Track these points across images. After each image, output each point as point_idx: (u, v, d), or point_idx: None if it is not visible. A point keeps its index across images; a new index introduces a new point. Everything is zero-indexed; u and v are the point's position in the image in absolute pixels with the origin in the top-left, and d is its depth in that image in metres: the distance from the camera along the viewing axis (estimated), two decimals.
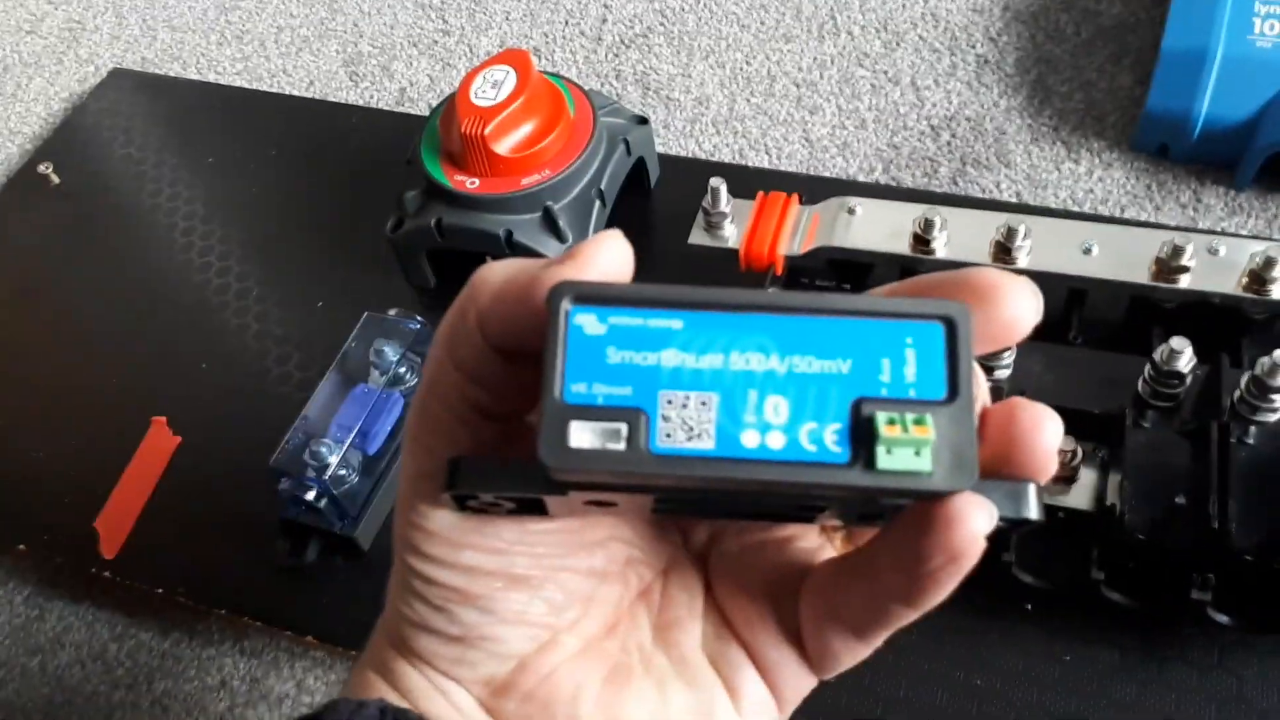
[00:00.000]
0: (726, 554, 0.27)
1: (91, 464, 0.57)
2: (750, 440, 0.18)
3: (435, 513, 0.23)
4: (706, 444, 0.19)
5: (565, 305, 0.19)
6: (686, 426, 0.19)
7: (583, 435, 0.18)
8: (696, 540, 0.28)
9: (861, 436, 0.18)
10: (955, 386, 0.19)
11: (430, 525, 0.24)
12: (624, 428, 0.19)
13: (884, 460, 0.18)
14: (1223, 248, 0.49)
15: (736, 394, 0.19)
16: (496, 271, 0.22)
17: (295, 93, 0.77)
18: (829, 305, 0.19)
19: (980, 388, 0.22)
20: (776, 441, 0.18)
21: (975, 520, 0.19)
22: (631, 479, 0.19)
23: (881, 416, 0.18)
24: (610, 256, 0.21)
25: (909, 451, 0.18)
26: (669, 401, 0.19)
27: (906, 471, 0.18)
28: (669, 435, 0.19)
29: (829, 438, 0.18)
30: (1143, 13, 0.70)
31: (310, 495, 0.49)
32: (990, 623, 0.46)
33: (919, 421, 0.18)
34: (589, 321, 0.19)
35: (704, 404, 0.19)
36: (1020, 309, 0.20)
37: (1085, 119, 0.66)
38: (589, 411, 0.19)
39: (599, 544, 0.26)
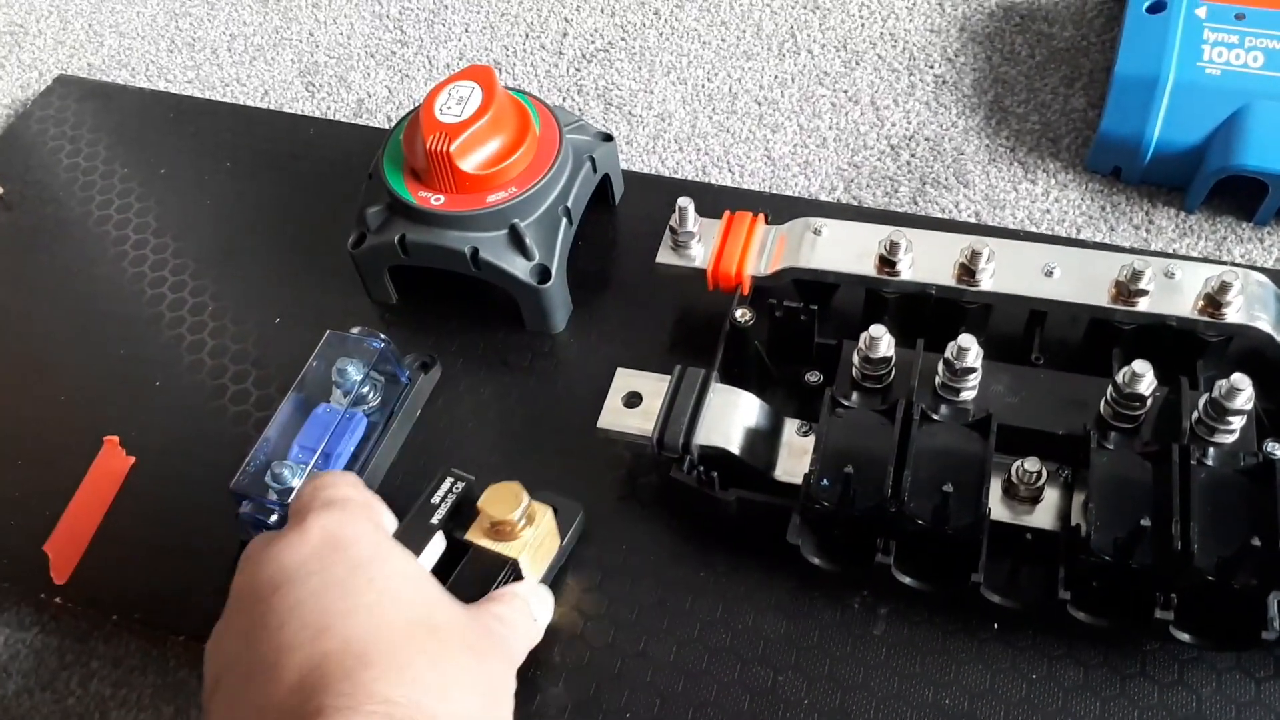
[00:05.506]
0: None
1: (40, 485, 0.55)
2: None
3: None
4: None
5: None
6: None
7: None
8: None
9: None
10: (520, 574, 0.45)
11: None
12: None
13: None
14: (1179, 272, 0.50)
15: None
16: None
17: (249, 102, 0.76)
18: None
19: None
20: None
21: None
22: None
23: None
24: None
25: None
26: None
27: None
28: None
29: None
30: (1093, 36, 0.72)
31: (273, 519, 0.48)
32: (958, 642, 0.46)
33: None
34: None
35: None
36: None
37: (1041, 140, 0.67)
38: None
39: None
